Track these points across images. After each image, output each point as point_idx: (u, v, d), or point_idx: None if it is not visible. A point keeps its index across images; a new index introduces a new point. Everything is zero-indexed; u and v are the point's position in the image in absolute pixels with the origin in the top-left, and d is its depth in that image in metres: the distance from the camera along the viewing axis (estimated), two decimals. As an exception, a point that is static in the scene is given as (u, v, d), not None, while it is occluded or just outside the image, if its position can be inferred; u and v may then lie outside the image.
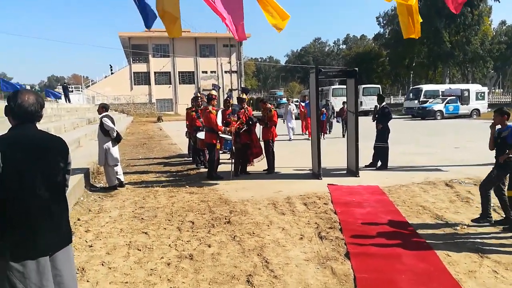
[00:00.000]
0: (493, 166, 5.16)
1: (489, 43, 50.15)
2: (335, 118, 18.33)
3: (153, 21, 6.95)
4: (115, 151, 7.81)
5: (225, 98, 10.12)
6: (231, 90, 12.56)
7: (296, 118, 17.75)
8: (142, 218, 5.72)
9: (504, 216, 5.09)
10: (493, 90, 60.02)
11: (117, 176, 7.83)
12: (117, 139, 7.74)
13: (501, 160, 4.94)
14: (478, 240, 4.61)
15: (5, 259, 2.17)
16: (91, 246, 4.62)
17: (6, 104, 2.36)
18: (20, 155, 2.23)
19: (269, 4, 7.11)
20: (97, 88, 48.02)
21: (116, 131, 7.73)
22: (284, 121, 17.09)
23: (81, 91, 45.16)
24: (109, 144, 7.61)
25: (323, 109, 15.48)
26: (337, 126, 17.88)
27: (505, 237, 4.72)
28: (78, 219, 5.61)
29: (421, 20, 8.18)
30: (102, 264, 4.10)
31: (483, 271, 3.81)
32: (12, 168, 2.18)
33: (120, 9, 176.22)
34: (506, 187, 5.01)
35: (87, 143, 12.62)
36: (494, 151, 5.16)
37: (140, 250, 4.50)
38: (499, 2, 45.75)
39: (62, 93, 30.12)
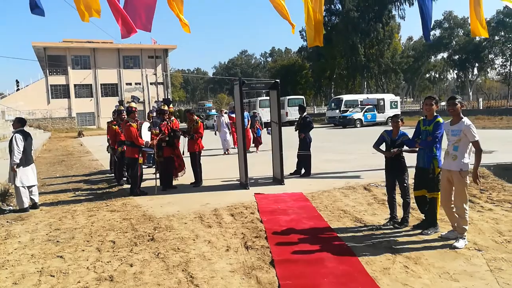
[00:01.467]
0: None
1: (399, 57, 54.90)
2: (266, 129, 18.38)
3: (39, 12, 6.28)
4: (30, 170, 7.19)
5: (149, 110, 9.85)
6: (157, 102, 12.18)
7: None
8: (57, 241, 5.30)
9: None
10: (405, 99, 65.66)
11: (31, 196, 7.21)
12: (19, 164, 7.03)
13: (390, 155, 5.34)
14: (392, 239, 4.93)
15: None
16: (-5, 277, 4.16)
17: None
18: None
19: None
20: (7, 102, 44.05)
21: (22, 152, 7.01)
22: (216, 133, 16.39)
23: (-12, 105, 41.16)
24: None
25: (257, 122, 15.33)
26: (267, 138, 18.14)
27: (414, 234, 5.10)
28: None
29: (324, 32, 8.63)
30: (8, 296, 3.72)
31: (396, 267, 4.08)
32: None
33: (33, 16, 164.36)
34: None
35: (-6, 162, 11.48)
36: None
37: (53, 276, 4.15)
38: (404, 20, 50.54)
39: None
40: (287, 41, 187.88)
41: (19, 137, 7.04)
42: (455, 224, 4.78)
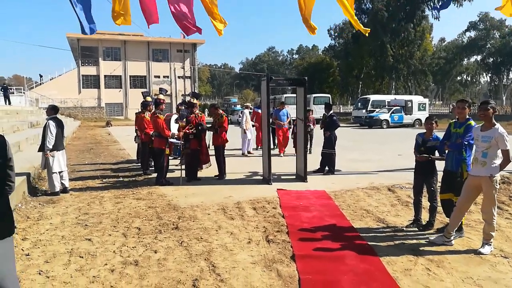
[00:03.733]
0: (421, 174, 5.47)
1: (430, 58, 53.55)
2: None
3: (94, 27, 6.60)
4: (60, 156, 7.49)
5: (178, 103, 10.00)
6: (183, 95, 12.13)
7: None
8: (86, 225, 5.51)
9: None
10: (434, 102, 64.10)
11: (62, 181, 7.50)
12: (52, 149, 7.31)
13: (419, 159, 5.28)
14: (415, 241, 4.88)
15: None
16: (28, 255, 4.37)
17: None
18: None
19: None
20: (41, 91, 45.65)
21: (55, 139, 7.30)
22: (245, 131, 13.50)
23: (24, 93, 42.68)
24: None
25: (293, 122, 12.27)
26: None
27: (438, 237, 5.03)
28: (15, 227, 5.29)
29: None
30: (40, 273, 3.90)
31: (418, 269, 4.05)
32: None
33: (69, 8, 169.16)
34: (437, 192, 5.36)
35: (28, 147, 11.94)
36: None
37: (82, 257, 4.33)
38: (439, 20, 49.13)
39: (2, 95, 28.34)
40: (315, 38, 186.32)
41: (52, 123, 7.32)
42: (452, 230, 4.75)
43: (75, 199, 7.12)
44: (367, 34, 8.28)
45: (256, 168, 9.84)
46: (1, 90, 29.16)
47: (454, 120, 5.14)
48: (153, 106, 9.12)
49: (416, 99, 32.12)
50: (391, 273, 3.96)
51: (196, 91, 51.35)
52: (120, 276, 3.85)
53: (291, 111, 12.67)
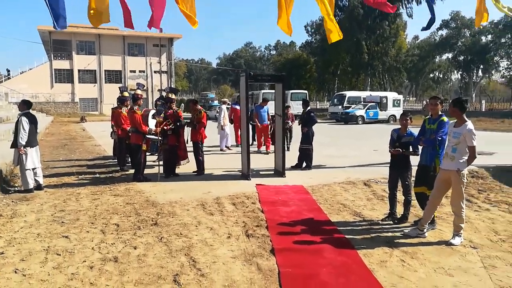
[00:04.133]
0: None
1: (404, 55, 54.70)
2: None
3: (65, 21, 6.36)
4: (34, 152, 7.31)
5: (156, 98, 9.87)
6: (160, 90, 11.94)
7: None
8: (62, 222, 5.42)
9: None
10: (408, 98, 65.55)
11: (36, 178, 7.33)
12: (25, 145, 7.14)
13: (393, 152, 5.47)
14: (390, 234, 5.04)
15: None
16: (2, 253, 4.28)
17: None
18: None
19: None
20: (11, 85, 44.10)
21: (28, 135, 7.13)
22: (222, 127, 13.56)
23: (-8, 87, 41.18)
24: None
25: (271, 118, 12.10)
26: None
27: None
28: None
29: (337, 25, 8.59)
30: (16, 272, 3.83)
31: (393, 260, 4.19)
32: None
33: (39, 1, 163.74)
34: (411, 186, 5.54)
35: (-2, 143, 11.58)
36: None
37: (59, 254, 4.27)
38: (412, 18, 50.12)
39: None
40: (292, 35, 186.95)
41: (25, 119, 7.13)
42: (425, 223, 4.94)
43: (50, 196, 6.98)
44: (341, 36, 8.35)
45: (235, 164, 9.87)
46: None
47: (428, 117, 5.32)
48: (131, 101, 9.00)
49: (391, 95, 32.78)
50: (368, 265, 4.08)
51: (173, 86, 50.77)
52: (100, 272, 3.82)
53: (268, 107, 12.47)
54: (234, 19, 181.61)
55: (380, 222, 5.55)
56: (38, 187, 7.35)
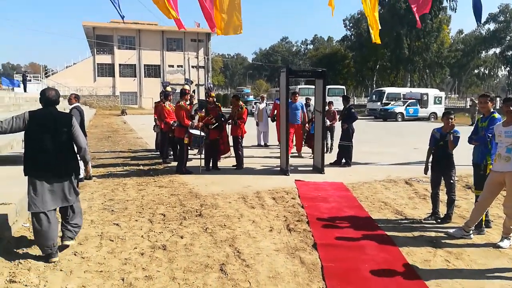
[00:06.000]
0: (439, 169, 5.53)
1: (447, 51, 52.60)
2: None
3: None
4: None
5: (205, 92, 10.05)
6: (163, 83, 12.17)
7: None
8: (112, 210, 5.72)
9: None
10: (450, 95, 63.13)
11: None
12: None
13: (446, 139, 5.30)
14: (433, 234, 4.97)
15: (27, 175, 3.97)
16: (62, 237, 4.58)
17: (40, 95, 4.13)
18: (39, 122, 3.96)
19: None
20: (57, 78, 46.27)
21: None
22: (257, 123, 13.37)
23: (40, 80, 43.34)
24: None
25: (313, 116, 10.01)
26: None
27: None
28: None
29: (379, 28, 8.53)
30: (75, 254, 4.11)
31: (437, 260, 4.15)
32: (33, 126, 3.93)
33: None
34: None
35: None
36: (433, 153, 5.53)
37: (112, 240, 4.53)
38: (455, 12, 48.04)
39: (21, 82, 28.90)
40: (330, 29, 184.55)
41: (76, 112, 7.52)
42: (472, 224, 4.81)
43: (99, 185, 7.35)
44: (378, 41, 8.24)
45: (273, 159, 9.98)
46: (22, 78, 29.73)
47: (481, 115, 5.21)
48: (172, 96, 9.28)
49: (432, 92, 31.76)
50: (411, 263, 4.07)
51: (210, 81, 51.52)
52: (150, 259, 4.04)
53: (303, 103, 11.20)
54: (271, 14, 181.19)
55: (422, 221, 5.49)
56: (88, 176, 7.75)
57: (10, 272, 3.58)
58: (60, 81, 45.04)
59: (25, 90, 29.03)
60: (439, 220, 5.42)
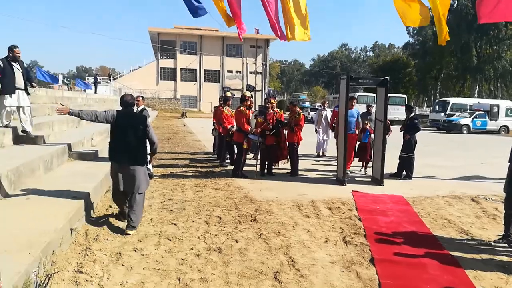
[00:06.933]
0: None
1: (523, 59, 48.75)
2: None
3: (202, 12, 7.06)
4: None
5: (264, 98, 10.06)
6: (224, 88, 12.19)
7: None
8: (171, 210, 5.91)
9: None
10: (523, 108, 58.27)
11: (147, 167, 8.06)
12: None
13: None
14: (505, 259, 4.58)
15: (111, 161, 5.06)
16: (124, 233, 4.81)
17: (120, 99, 5.17)
18: (122, 119, 4.98)
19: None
20: (124, 81, 49.01)
21: None
22: (316, 129, 12.75)
23: (108, 82, 46.14)
24: None
25: (366, 122, 9.80)
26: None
27: (532, 256, 4.68)
28: (110, 206, 5.83)
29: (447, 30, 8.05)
30: (135, 251, 4.29)
31: None
32: (118, 123, 4.96)
33: (151, 5, 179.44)
34: None
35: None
36: None
37: (170, 240, 4.67)
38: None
39: (93, 84, 30.99)
40: (391, 36, 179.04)
41: (147, 113, 7.92)
42: None
43: (159, 185, 7.63)
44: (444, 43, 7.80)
45: (329, 168, 9.80)
46: (94, 80, 31.92)
47: None
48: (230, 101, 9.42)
49: (504, 103, 29.57)
50: (479, 288, 3.78)
51: (267, 87, 51.96)
52: (206, 261, 4.10)
53: (362, 110, 10.57)
54: (330, 21, 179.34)
55: (492, 243, 5.08)
56: (150, 175, 8.07)
57: (77, 263, 3.81)
58: (126, 83, 47.63)
59: (95, 92, 31.08)
60: (511, 244, 4.99)
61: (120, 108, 5.12)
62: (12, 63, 7.20)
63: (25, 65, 7.78)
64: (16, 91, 7.25)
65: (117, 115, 4.97)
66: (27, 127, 7.43)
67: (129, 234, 4.75)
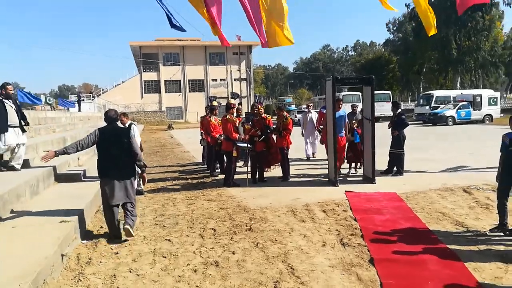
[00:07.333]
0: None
1: (501, 48, 49.66)
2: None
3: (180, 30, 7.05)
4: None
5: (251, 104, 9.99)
6: (211, 98, 12.06)
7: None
8: (163, 226, 5.79)
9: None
10: (505, 95, 59.44)
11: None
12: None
13: None
14: (503, 248, 4.58)
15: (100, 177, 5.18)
16: (117, 254, 4.68)
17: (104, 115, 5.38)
18: (106, 135, 5.15)
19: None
20: (108, 97, 48.57)
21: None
22: (303, 133, 12.56)
23: (92, 99, 45.67)
24: None
25: (354, 122, 9.63)
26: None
27: (529, 243, 4.69)
28: (101, 227, 5.69)
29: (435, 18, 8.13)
30: (130, 271, 4.17)
31: (510, 277, 3.80)
32: (102, 139, 5.11)
33: (130, 19, 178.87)
34: None
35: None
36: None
37: (165, 257, 4.56)
38: (511, 7, 45.28)
39: (77, 102, 30.65)
40: (371, 34, 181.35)
41: (135, 127, 7.79)
42: None
43: (150, 200, 7.50)
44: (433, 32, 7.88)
45: (320, 170, 9.76)
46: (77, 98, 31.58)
47: None
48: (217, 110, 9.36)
49: (486, 93, 30.06)
50: (480, 280, 3.75)
51: (251, 92, 52.00)
52: (204, 276, 4.01)
53: (347, 110, 10.17)
54: (312, 21, 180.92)
55: (487, 233, 5.08)
56: (139, 192, 7.94)
57: (70, 289, 3.69)
58: (110, 99, 47.21)
59: (79, 110, 30.70)
60: (507, 233, 5.00)
61: (104, 124, 5.24)
62: (5, 100, 7.02)
63: (17, 102, 7.60)
64: (10, 129, 7.02)
65: (99, 133, 5.14)
66: (17, 165, 7.05)
67: (129, 229, 5.09)
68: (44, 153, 5.31)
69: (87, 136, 5.17)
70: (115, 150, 5.09)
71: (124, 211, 5.27)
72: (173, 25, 6.94)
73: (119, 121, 5.87)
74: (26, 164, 7.26)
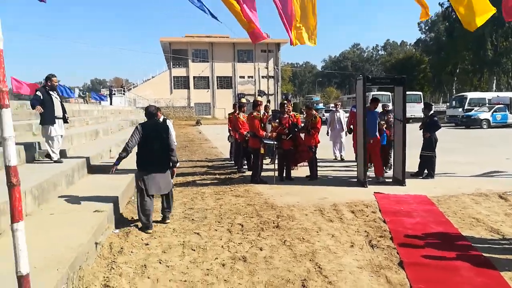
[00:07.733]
0: None
1: (542, 49, 47.54)
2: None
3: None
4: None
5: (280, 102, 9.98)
6: (239, 95, 12.02)
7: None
8: (192, 219, 5.89)
9: None
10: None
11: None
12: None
13: None
14: (540, 256, 4.42)
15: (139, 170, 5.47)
16: (147, 244, 4.80)
17: (144, 111, 5.83)
18: (148, 130, 5.42)
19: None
20: (138, 91, 49.63)
21: None
22: (328, 132, 12.41)
23: (123, 94, 46.77)
24: None
25: (383, 123, 9.31)
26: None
27: None
28: (132, 218, 5.84)
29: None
30: (160, 262, 4.26)
31: (549, 288, 3.66)
32: (145, 134, 5.36)
33: (161, 15, 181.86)
34: None
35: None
36: None
37: (194, 250, 4.63)
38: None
39: (108, 96, 31.46)
40: (402, 34, 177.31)
41: (170, 124, 7.95)
42: None
43: (179, 194, 7.62)
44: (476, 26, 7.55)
45: (349, 171, 9.66)
46: (109, 93, 32.43)
47: None
48: (246, 107, 9.41)
49: (524, 96, 28.90)
50: (516, 290, 3.63)
51: (279, 90, 51.88)
52: (232, 271, 4.05)
53: (378, 110, 9.52)
54: (340, 21, 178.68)
55: (526, 241, 4.91)
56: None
57: (104, 277, 3.80)
58: (140, 94, 48.26)
59: (110, 103, 31.52)
60: None
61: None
62: (51, 92, 7.20)
63: (60, 93, 7.80)
64: (56, 120, 7.20)
65: (142, 128, 5.41)
66: (54, 156, 7.20)
67: (166, 221, 5.67)
68: (110, 174, 5.57)
69: (132, 135, 5.37)
70: (155, 144, 5.37)
71: (162, 201, 5.66)
72: (213, 16, 6.93)
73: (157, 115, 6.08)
74: (61, 155, 7.51)
